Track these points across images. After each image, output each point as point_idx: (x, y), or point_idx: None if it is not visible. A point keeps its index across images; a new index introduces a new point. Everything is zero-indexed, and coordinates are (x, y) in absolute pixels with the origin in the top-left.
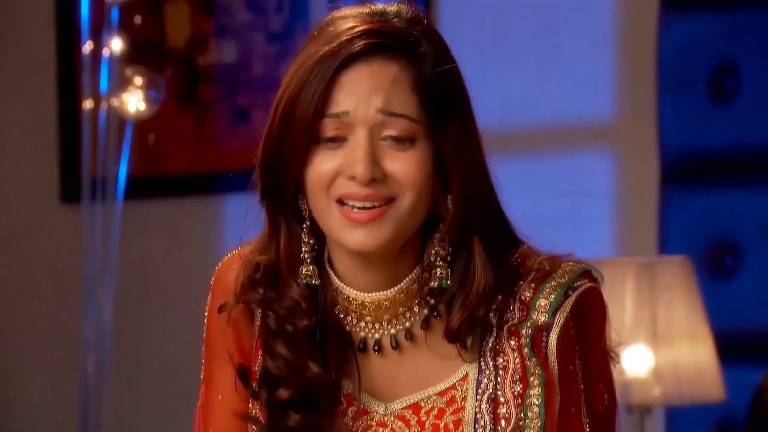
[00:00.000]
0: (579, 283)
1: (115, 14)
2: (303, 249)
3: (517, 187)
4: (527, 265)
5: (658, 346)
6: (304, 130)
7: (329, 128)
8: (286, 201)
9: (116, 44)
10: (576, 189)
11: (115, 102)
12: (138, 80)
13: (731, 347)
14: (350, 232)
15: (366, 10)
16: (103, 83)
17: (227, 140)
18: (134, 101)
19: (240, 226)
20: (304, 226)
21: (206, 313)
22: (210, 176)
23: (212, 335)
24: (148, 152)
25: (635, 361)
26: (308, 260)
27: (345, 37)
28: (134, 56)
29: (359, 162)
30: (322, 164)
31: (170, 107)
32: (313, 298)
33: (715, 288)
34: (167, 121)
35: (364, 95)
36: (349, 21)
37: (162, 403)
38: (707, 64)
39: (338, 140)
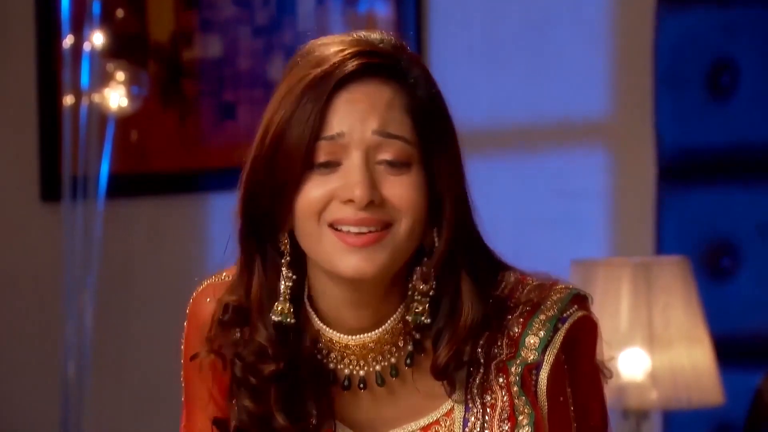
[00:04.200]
0: (568, 313)
1: (96, 7)
2: (283, 284)
3: (510, 186)
4: (514, 297)
5: (655, 349)
6: (299, 154)
7: (323, 152)
8: (266, 236)
9: (98, 38)
10: (570, 188)
11: (96, 98)
12: (120, 75)
13: (729, 350)
14: (346, 258)
15: (348, 37)
16: (84, 78)
17: (212, 137)
18: (116, 97)
19: (225, 226)
20: (283, 260)
21: (183, 342)
22: (194, 174)
23: (190, 371)
24: (131, 149)
25: (631, 365)
26: (287, 296)
27: (337, 59)
28: (116, 51)
29: (357, 185)
30: (315, 189)
31: (153, 103)
32: (283, 341)
33: (713, 289)
34: (150, 118)
35: (359, 116)
36: (335, 45)
37: (143, 407)
38: (704, 60)
39: (332, 165)
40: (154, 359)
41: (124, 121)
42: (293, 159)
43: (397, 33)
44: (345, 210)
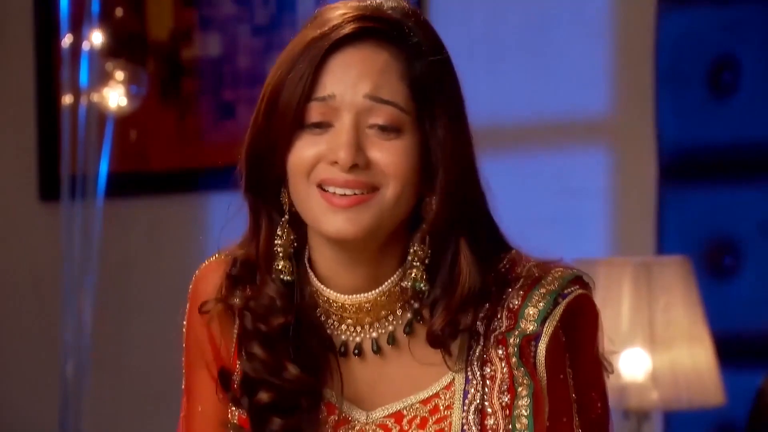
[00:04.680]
0: (569, 290)
1: (95, 6)
2: (277, 243)
3: (510, 185)
4: (515, 271)
5: (656, 349)
6: (290, 113)
7: (315, 113)
8: (268, 193)
9: (96, 37)
10: (571, 187)
11: (95, 97)
12: (119, 74)
13: (731, 350)
14: (331, 218)
15: (358, 3)
16: (83, 78)
17: (211, 136)
18: (115, 96)
19: (225, 225)
20: (282, 219)
21: (184, 323)
22: (193, 173)
23: (190, 344)
24: (130, 149)
25: (632, 365)
26: (281, 254)
27: (335, 22)
28: (115, 50)
29: (342, 147)
30: (305, 149)
31: (152, 102)
32: (290, 296)
33: (714, 289)
34: (149, 117)
35: (352, 80)
36: (341, 9)
37: (142, 407)
38: (706, 57)
39: (323, 126)
40: (153, 359)
41: (123, 120)
42: (285, 118)
43: None
44: (331, 170)
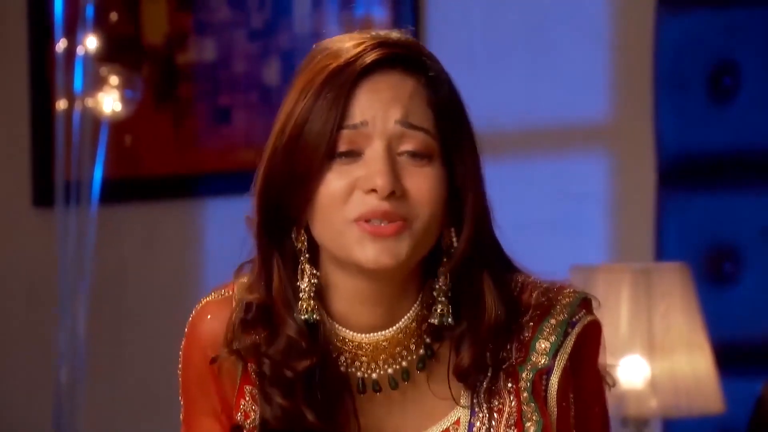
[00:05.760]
0: (577, 317)
1: (90, 11)
2: (307, 281)
3: (509, 190)
4: (523, 300)
5: (655, 356)
6: (322, 143)
7: (345, 141)
8: (284, 234)
9: (91, 42)
10: (570, 192)
11: (89, 102)
12: (114, 79)
13: (731, 357)
14: (368, 247)
15: (366, 34)
16: (78, 83)
17: (207, 141)
18: (110, 101)
19: (220, 231)
20: (302, 258)
21: (180, 359)
22: (189, 179)
23: (189, 383)
24: (125, 154)
25: (631, 372)
26: (305, 294)
27: (358, 50)
28: (110, 54)
29: (380, 174)
30: (337, 180)
31: (147, 107)
32: (314, 336)
33: (714, 295)
34: (144, 122)
35: (382, 106)
36: (353, 40)
37: (137, 413)
38: (706, 62)
39: (354, 155)
40: (147, 365)
41: (118, 126)
42: (315, 148)
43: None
44: (369, 202)
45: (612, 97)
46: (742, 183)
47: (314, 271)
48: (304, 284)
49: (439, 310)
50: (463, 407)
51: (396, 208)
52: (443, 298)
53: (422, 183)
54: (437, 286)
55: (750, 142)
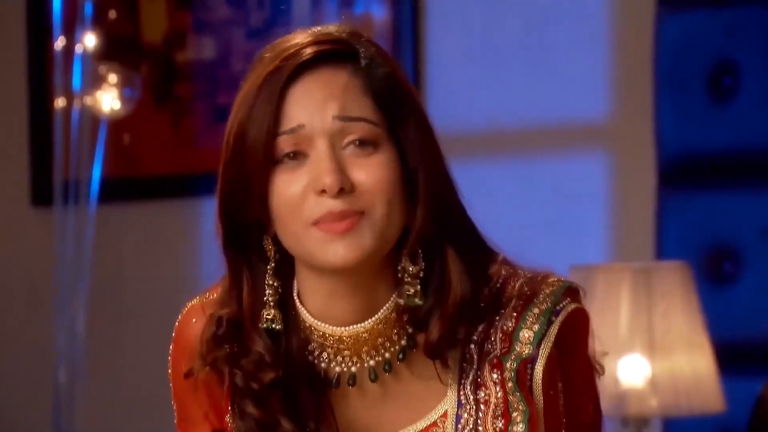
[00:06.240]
0: (561, 305)
1: (88, 9)
2: (267, 292)
3: (508, 190)
4: (506, 291)
5: (655, 356)
6: (260, 151)
7: (287, 145)
8: (248, 243)
9: (90, 40)
10: (570, 192)
11: (88, 101)
12: (112, 78)
13: (731, 356)
14: (330, 248)
15: (306, 31)
16: (76, 81)
17: (206, 140)
18: (108, 100)
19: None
20: (268, 267)
21: (170, 363)
22: (187, 178)
23: (181, 393)
24: (123, 153)
25: (631, 372)
26: (272, 303)
27: (289, 52)
28: (108, 53)
29: (326, 173)
30: (287, 186)
31: (146, 106)
32: (277, 348)
33: (714, 295)
34: (143, 121)
35: (317, 105)
36: (292, 40)
37: (135, 413)
38: (706, 61)
39: (298, 157)
40: (146, 365)
41: (117, 124)
42: (255, 156)
43: (393, 35)
44: (323, 204)
45: (612, 97)
46: (742, 183)
47: (273, 282)
48: (267, 293)
49: (408, 291)
50: (449, 395)
51: (351, 203)
52: (410, 279)
53: (372, 172)
54: (400, 267)
55: (750, 142)
